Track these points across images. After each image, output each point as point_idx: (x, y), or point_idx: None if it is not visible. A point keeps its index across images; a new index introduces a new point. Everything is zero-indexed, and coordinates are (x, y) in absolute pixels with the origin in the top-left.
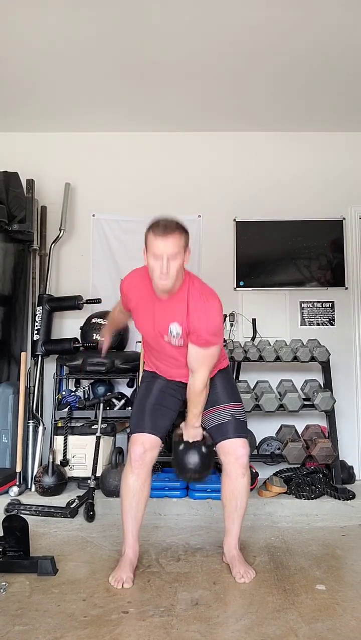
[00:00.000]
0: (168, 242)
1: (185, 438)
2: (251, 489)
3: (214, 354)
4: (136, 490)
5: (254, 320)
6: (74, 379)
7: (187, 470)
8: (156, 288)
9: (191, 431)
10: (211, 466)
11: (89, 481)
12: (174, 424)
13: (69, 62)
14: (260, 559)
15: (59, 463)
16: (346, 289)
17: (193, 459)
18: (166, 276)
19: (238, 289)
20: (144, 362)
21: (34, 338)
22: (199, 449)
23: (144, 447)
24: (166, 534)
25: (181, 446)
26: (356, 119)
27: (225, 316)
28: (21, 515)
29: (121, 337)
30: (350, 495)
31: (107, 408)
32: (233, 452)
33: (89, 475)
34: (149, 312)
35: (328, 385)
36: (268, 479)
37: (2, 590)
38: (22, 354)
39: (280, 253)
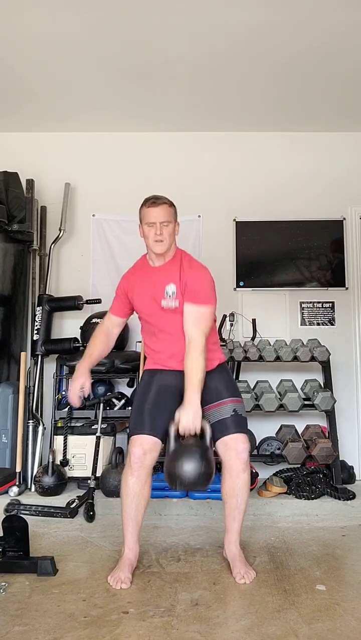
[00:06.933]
0: (158, 209)
1: (181, 431)
2: (251, 489)
3: (208, 316)
4: (135, 492)
5: (254, 320)
6: None
7: (179, 478)
8: (151, 254)
9: (191, 410)
10: (212, 477)
11: (89, 481)
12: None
13: (69, 62)
14: (260, 559)
15: (59, 463)
16: (346, 289)
17: (189, 465)
18: (160, 237)
19: (238, 289)
20: (144, 362)
21: (34, 338)
22: (198, 452)
23: (143, 448)
24: (166, 534)
25: (174, 446)
26: (356, 119)
27: (225, 316)
28: (21, 515)
29: (121, 338)
30: (350, 495)
31: (107, 408)
32: (234, 447)
33: (89, 475)
34: (146, 282)
35: (328, 385)
36: (268, 479)
37: (2, 590)
38: (22, 354)
39: (280, 253)
